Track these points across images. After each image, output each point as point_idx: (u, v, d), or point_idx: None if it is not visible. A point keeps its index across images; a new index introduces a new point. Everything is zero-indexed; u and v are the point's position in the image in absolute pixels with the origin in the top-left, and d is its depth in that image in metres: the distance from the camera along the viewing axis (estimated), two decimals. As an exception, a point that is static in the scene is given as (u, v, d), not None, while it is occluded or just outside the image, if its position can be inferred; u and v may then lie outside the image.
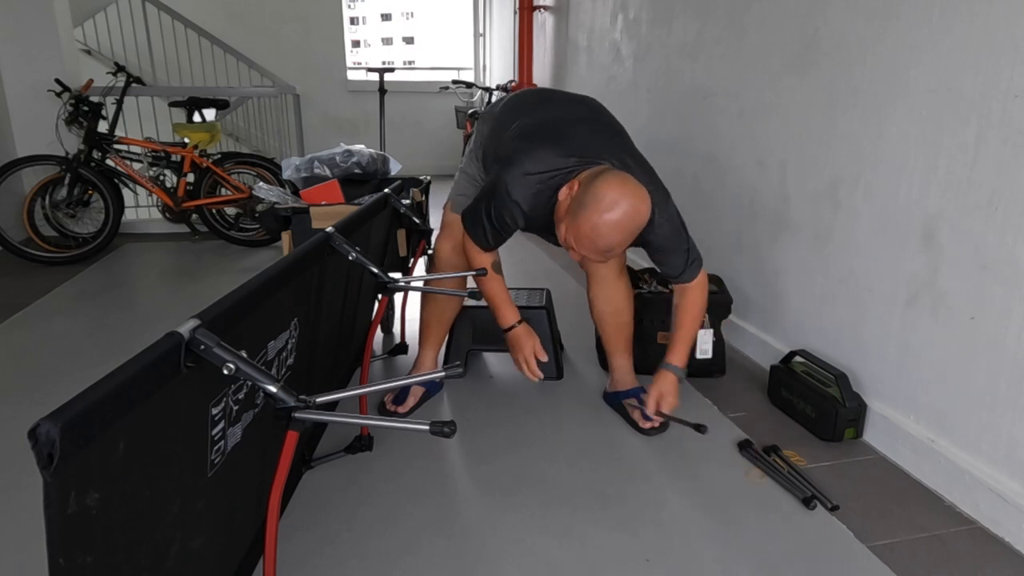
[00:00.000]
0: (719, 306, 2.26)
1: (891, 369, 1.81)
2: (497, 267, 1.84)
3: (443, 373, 1.07)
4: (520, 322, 1.85)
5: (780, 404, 2.06)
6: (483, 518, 1.55)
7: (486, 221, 1.72)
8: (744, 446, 1.83)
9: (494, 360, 2.40)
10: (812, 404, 1.91)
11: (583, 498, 1.62)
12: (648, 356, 2.22)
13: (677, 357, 1.82)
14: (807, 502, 1.59)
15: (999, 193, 1.47)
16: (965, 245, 1.56)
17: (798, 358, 2.04)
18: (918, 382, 1.73)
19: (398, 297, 2.69)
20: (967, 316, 1.57)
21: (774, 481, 1.69)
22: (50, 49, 4.02)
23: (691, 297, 1.81)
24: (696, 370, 2.26)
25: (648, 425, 1.90)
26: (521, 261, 3.48)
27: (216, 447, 1.05)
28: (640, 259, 3.32)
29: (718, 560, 1.42)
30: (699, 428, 1.74)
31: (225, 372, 0.88)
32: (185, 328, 0.88)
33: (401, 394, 2.05)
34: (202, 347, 0.88)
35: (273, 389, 0.90)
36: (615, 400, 2.05)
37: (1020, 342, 1.45)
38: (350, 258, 1.55)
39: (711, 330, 2.22)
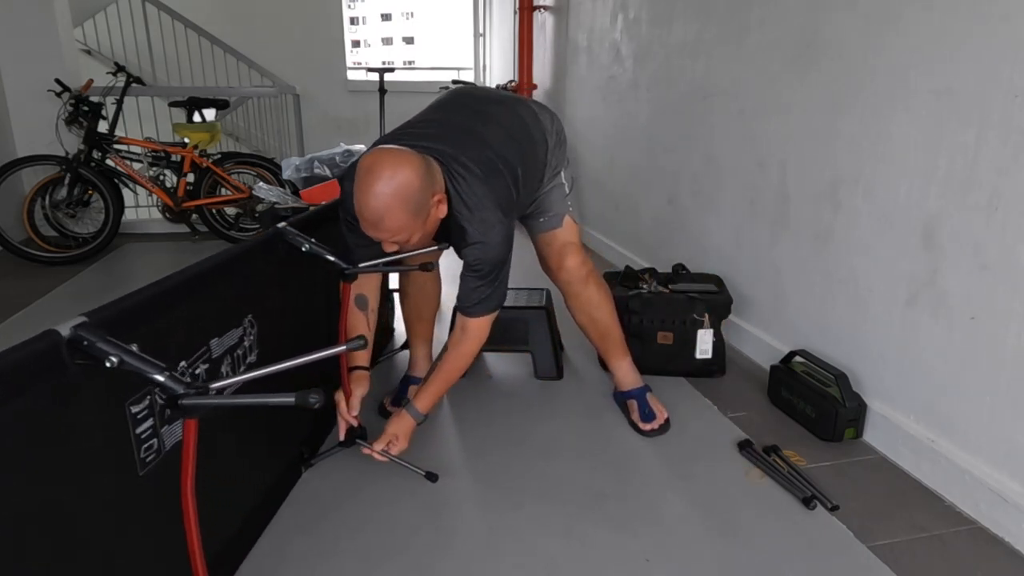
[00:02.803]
0: (719, 306, 2.26)
1: (891, 369, 1.81)
2: (362, 303, 1.71)
3: (344, 347, 1.04)
4: (367, 369, 1.71)
5: (780, 404, 2.06)
6: (482, 518, 1.55)
7: (341, 223, 1.63)
8: (744, 446, 1.83)
9: (493, 360, 2.40)
10: (812, 404, 1.91)
11: (583, 498, 1.62)
12: (648, 356, 2.22)
13: (423, 402, 1.67)
14: (807, 502, 1.59)
15: (999, 193, 1.47)
16: (965, 245, 1.56)
17: (798, 358, 2.04)
18: (918, 382, 1.73)
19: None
20: (967, 316, 1.57)
21: (774, 481, 1.68)
22: (50, 49, 4.02)
23: (461, 349, 1.67)
24: (696, 370, 2.26)
25: (648, 427, 1.90)
26: (521, 261, 3.46)
27: (145, 445, 1.05)
28: (640, 259, 3.32)
29: (718, 560, 1.42)
30: (430, 476, 1.64)
31: (107, 365, 0.88)
32: (67, 325, 0.88)
33: (399, 393, 2.05)
34: (85, 343, 0.88)
35: (160, 378, 0.90)
36: (617, 399, 2.06)
37: (1020, 342, 1.45)
38: (303, 249, 1.53)
39: (711, 330, 2.22)
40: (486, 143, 1.62)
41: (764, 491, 1.65)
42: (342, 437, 1.69)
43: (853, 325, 1.94)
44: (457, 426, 1.96)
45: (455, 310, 2.26)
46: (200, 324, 1.22)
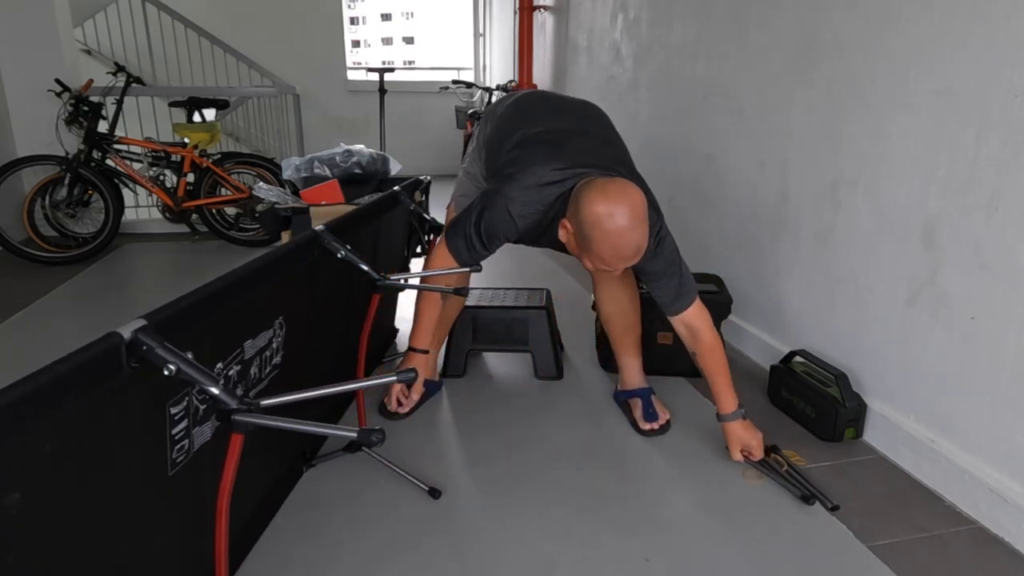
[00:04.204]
0: (719, 306, 2.26)
1: (891, 369, 1.81)
2: (444, 299, 1.81)
3: (395, 378, 1.04)
4: (426, 352, 1.82)
5: (780, 404, 2.06)
6: (483, 518, 1.55)
7: (473, 233, 1.69)
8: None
9: (494, 360, 2.40)
10: (812, 404, 1.91)
11: (583, 498, 1.62)
12: (649, 356, 2.21)
13: (725, 405, 1.74)
14: (806, 499, 1.59)
15: (999, 193, 1.47)
16: (965, 245, 1.56)
17: (798, 358, 2.04)
18: (918, 382, 1.73)
19: (410, 298, 2.69)
20: (967, 316, 1.57)
21: (774, 481, 1.68)
22: (50, 49, 4.01)
23: (705, 343, 1.73)
24: (696, 370, 2.25)
25: (648, 426, 1.91)
26: (521, 261, 3.47)
27: (178, 446, 1.05)
28: (640, 259, 3.32)
29: (718, 560, 1.42)
30: (433, 493, 1.61)
31: (165, 373, 0.88)
32: (128, 328, 0.88)
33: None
34: (144, 348, 0.88)
35: (215, 391, 0.90)
36: (619, 398, 2.06)
37: (1020, 342, 1.45)
38: (339, 256, 1.54)
39: (711, 330, 2.22)
40: (618, 148, 1.81)
41: (764, 491, 1.65)
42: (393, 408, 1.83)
43: (853, 325, 1.94)
44: (457, 426, 1.96)
45: (461, 308, 2.25)
46: (237, 326, 1.22)
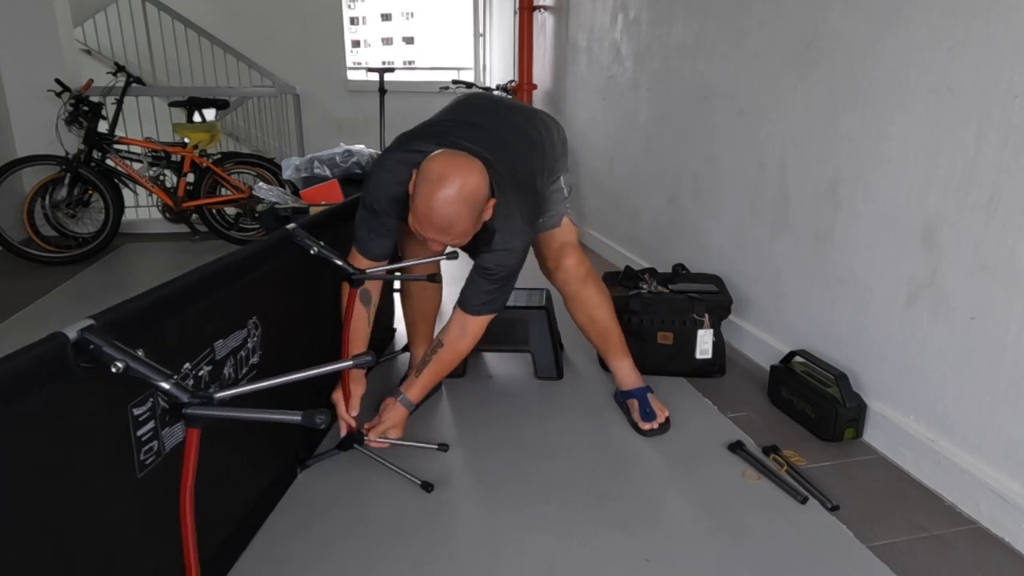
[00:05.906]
0: (719, 306, 2.26)
1: (891, 369, 1.81)
2: (366, 298, 1.72)
3: (352, 363, 1.02)
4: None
5: (780, 404, 2.06)
6: (482, 518, 1.55)
7: (363, 211, 1.65)
8: (735, 448, 1.82)
9: (494, 360, 2.40)
10: (812, 404, 1.91)
11: (583, 498, 1.62)
12: (648, 356, 2.22)
13: (414, 393, 1.72)
14: (804, 501, 1.59)
15: (999, 193, 1.47)
16: (965, 245, 1.56)
17: (798, 358, 2.04)
18: (918, 382, 1.73)
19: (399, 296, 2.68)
20: (967, 316, 1.57)
21: (772, 482, 1.68)
22: (50, 49, 4.01)
23: (457, 346, 1.72)
24: (696, 370, 2.26)
25: (648, 426, 1.91)
26: (521, 261, 3.48)
27: (146, 447, 1.05)
28: (640, 259, 3.32)
29: (718, 560, 1.42)
30: (425, 486, 1.63)
31: (112, 370, 0.88)
32: (73, 328, 0.87)
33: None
34: (91, 347, 0.87)
35: (165, 386, 0.89)
36: (618, 399, 2.06)
37: (1020, 342, 1.45)
38: (312, 252, 1.53)
39: (711, 330, 2.22)
40: (517, 153, 1.69)
41: (764, 491, 1.65)
42: (343, 434, 1.70)
43: (853, 325, 1.93)
44: (457, 426, 1.96)
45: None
46: (205, 326, 1.22)
